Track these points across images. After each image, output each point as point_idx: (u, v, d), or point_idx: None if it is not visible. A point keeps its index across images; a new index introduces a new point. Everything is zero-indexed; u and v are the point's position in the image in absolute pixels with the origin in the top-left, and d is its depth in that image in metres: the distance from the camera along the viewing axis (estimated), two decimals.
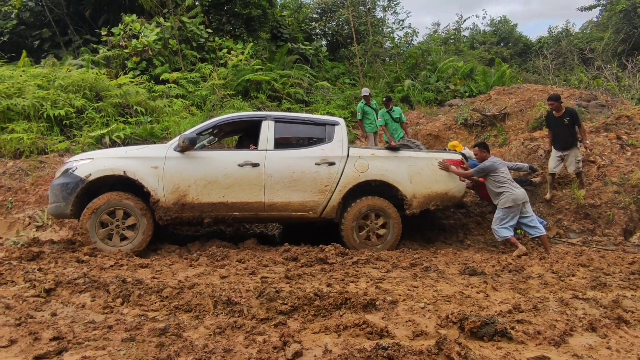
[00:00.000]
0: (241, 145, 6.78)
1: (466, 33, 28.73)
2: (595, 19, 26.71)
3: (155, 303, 3.37)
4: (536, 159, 7.45)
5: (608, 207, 6.51)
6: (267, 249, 5.49)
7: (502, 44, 27.96)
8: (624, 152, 7.68)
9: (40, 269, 4.05)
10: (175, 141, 5.36)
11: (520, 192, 5.80)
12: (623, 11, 21.12)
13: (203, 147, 5.96)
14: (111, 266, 4.31)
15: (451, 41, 24.38)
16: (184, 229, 6.83)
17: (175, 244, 5.61)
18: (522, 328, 2.99)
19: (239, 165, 5.38)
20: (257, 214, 5.48)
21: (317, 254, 4.86)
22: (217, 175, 5.31)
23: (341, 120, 6.03)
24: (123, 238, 5.09)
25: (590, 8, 25.03)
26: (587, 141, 7.08)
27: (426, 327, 2.97)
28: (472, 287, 3.88)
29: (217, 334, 2.83)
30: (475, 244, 6.11)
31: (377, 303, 3.33)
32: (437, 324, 3.01)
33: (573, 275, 4.38)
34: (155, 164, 5.20)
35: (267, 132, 5.63)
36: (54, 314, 3.08)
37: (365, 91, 9.99)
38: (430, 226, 6.92)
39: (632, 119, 8.70)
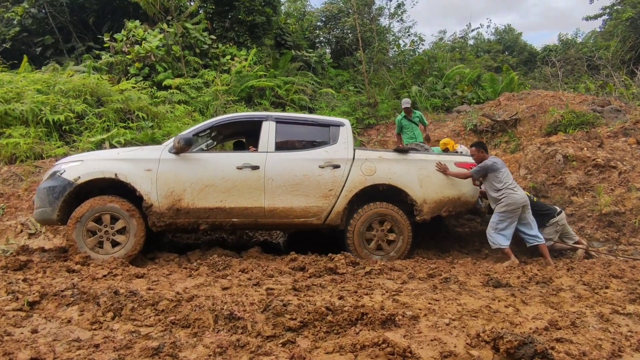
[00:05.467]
0: (239, 148, 6.45)
1: (470, 42, 28.58)
2: (598, 29, 26.55)
3: (149, 317, 3.03)
4: (553, 165, 7.10)
5: (633, 215, 6.14)
6: (271, 258, 5.14)
7: (506, 53, 27.77)
8: None
9: (25, 280, 3.71)
10: (170, 142, 5.05)
11: (519, 195, 5.43)
12: (630, 19, 20.87)
13: (202, 151, 5.65)
14: (104, 276, 3.96)
15: (457, 49, 24.18)
16: (184, 236, 6.50)
17: (175, 253, 5.27)
18: (564, 348, 2.64)
19: (238, 168, 5.06)
20: (256, 220, 5.14)
21: (326, 264, 4.50)
22: (214, 179, 4.98)
23: (346, 121, 5.70)
24: (115, 244, 4.75)
25: (596, 17, 24.83)
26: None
27: (455, 347, 2.62)
28: (499, 301, 3.52)
29: (217, 354, 2.49)
30: (494, 253, 5.72)
31: (397, 319, 2.98)
32: (467, 344, 2.66)
33: (607, 288, 4.01)
34: (148, 167, 4.88)
35: (268, 133, 5.30)
36: (34, 331, 2.74)
37: (405, 102, 8.60)
38: (445, 235, 6.56)
39: None
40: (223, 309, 3.10)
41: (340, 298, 3.47)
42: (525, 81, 18.79)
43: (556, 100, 11.46)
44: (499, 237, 5.39)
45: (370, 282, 4.00)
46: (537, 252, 5.60)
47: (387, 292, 3.69)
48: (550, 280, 4.19)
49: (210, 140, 6.10)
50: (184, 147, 4.87)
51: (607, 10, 23.93)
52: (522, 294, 3.74)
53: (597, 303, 3.54)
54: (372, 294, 3.64)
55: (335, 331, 2.87)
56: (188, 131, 5.18)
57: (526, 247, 5.63)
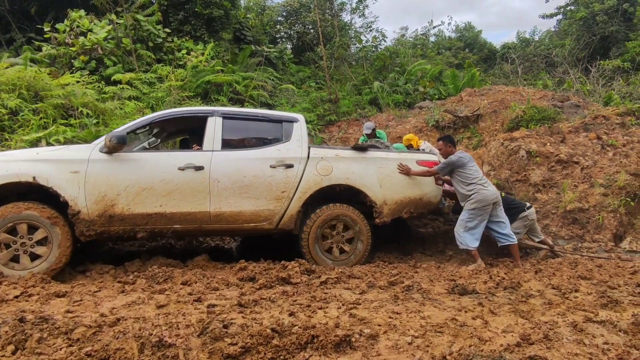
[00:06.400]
0: (186, 147, 5.91)
1: (432, 39, 28.75)
2: (553, 29, 27.35)
3: (60, 349, 2.52)
4: (517, 161, 6.94)
5: (597, 211, 6.02)
6: (220, 267, 4.66)
7: (467, 50, 28.10)
8: (605, 152, 7.29)
9: None
10: (100, 141, 4.46)
11: (490, 191, 5.16)
12: (583, 19, 21.48)
13: (143, 151, 5.09)
14: (16, 297, 3.39)
15: (418, 46, 24.22)
16: (126, 244, 5.93)
17: (113, 263, 4.72)
18: None
19: (180, 169, 4.53)
20: (201, 226, 4.63)
21: (279, 273, 4.08)
22: (152, 181, 4.44)
23: (300, 117, 5.27)
24: (35, 257, 4.12)
25: (551, 16, 25.52)
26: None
27: None
28: (465, 312, 3.20)
29: None
30: (458, 255, 5.47)
31: (353, 339, 2.60)
32: None
33: (576, 291, 3.79)
34: (75, 168, 4.27)
35: (214, 130, 4.79)
36: None
37: (367, 127, 7.79)
38: (407, 236, 6.26)
39: (608, 119, 8.38)
40: (152, 334, 2.64)
41: (291, 314, 3.07)
42: (486, 77, 18.96)
43: (517, 96, 11.45)
44: (467, 237, 5.11)
45: (325, 293, 3.61)
46: (503, 252, 5.37)
47: (343, 304, 3.31)
48: (518, 285, 3.93)
49: (154, 139, 5.54)
50: (116, 146, 4.29)
51: (562, 9, 24.62)
52: (490, 302, 3.45)
53: (568, 310, 3.29)
54: (327, 307, 3.25)
55: (281, 357, 2.47)
56: (122, 128, 4.60)
57: (491, 248, 5.40)
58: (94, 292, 3.60)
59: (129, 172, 4.40)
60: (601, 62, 16.15)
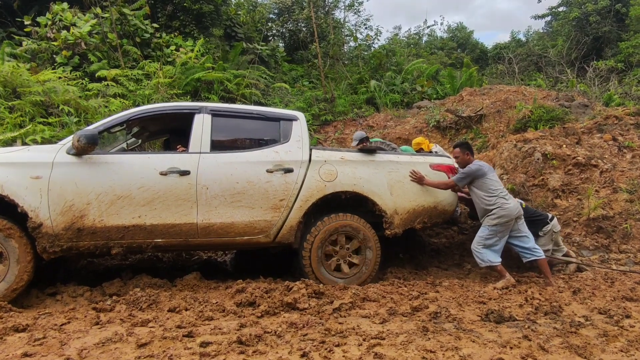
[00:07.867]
0: (169, 147, 5.31)
1: (424, 39, 28.44)
2: (542, 30, 27.27)
3: None
4: (532, 164, 6.45)
5: (623, 219, 5.55)
6: (214, 286, 4.08)
7: (459, 50, 27.85)
8: (622, 154, 6.85)
9: None
10: (68, 141, 3.84)
11: (513, 205, 4.64)
12: (576, 19, 21.33)
13: (124, 152, 4.49)
14: None
15: (412, 46, 23.87)
16: (106, 258, 5.30)
17: (91, 282, 4.12)
18: None
19: (162, 174, 3.94)
20: (187, 239, 4.03)
21: (283, 296, 3.52)
22: (130, 188, 3.84)
23: (300, 115, 4.69)
24: None
25: (543, 16, 25.41)
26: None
27: None
28: (511, 348, 2.67)
29: None
30: (477, 268, 4.93)
31: None
32: None
33: (628, 317, 3.28)
34: (36, 173, 3.65)
35: (202, 128, 4.20)
36: None
37: (357, 137, 6.49)
38: (419, 247, 5.72)
39: (621, 119, 7.95)
40: None
41: (303, 355, 2.51)
42: (481, 77, 18.63)
43: (519, 96, 11.04)
44: (488, 254, 4.58)
45: (340, 323, 3.05)
46: (526, 265, 4.86)
47: (364, 339, 2.76)
48: (559, 310, 3.41)
49: (134, 139, 4.93)
50: (86, 147, 3.68)
51: (553, 10, 24.50)
52: (535, 333, 2.92)
53: (631, 345, 2.77)
54: (345, 344, 2.70)
55: None
56: (94, 126, 3.98)
57: (512, 260, 4.89)
58: (62, 325, 2.98)
59: (102, 178, 3.80)
60: (595, 62, 15.91)
